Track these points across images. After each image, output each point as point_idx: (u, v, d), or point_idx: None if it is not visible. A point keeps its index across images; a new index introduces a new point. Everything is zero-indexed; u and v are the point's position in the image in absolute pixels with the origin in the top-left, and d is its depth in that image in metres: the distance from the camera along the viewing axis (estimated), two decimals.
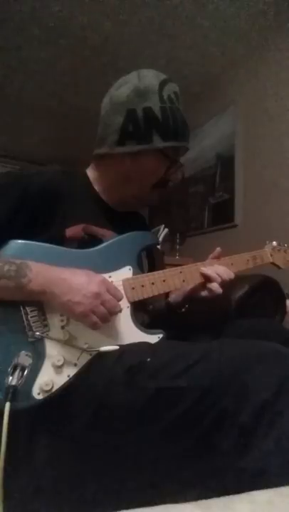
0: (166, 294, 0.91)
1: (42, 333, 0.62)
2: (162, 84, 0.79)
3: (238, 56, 2.26)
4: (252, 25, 2.00)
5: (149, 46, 2.22)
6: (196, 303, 0.89)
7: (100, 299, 0.63)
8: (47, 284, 0.62)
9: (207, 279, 0.81)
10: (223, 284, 0.80)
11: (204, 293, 0.83)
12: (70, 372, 0.62)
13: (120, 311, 0.68)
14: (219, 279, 0.80)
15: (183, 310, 0.90)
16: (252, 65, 2.22)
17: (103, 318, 0.63)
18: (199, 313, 0.89)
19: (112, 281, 0.71)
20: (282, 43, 2.00)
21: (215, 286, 0.79)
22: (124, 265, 0.75)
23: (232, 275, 0.82)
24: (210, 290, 0.81)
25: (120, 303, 0.68)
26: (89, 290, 0.62)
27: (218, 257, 0.86)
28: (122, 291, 0.71)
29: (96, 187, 0.85)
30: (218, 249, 0.86)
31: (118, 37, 2.16)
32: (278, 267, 0.97)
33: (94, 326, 0.63)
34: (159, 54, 2.26)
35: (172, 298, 0.91)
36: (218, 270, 0.81)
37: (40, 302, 0.64)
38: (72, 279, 0.63)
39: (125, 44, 2.22)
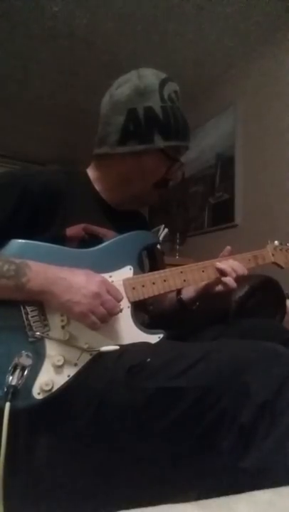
0: (178, 291, 0.91)
1: (42, 332, 0.62)
2: (162, 83, 0.79)
3: (238, 56, 2.26)
4: (252, 25, 2.00)
5: (149, 46, 2.21)
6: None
7: (99, 299, 0.63)
8: (46, 284, 0.62)
9: (222, 273, 0.81)
10: (238, 279, 0.82)
11: (219, 288, 0.83)
12: (70, 372, 0.62)
13: (121, 311, 0.68)
14: (234, 274, 0.81)
15: (194, 307, 0.91)
16: (252, 65, 2.22)
17: (102, 318, 0.63)
18: (200, 313, 0.89)
19: (112, 281, 0.71)
20: (282, 43, 2.00)
21: (230, 281, 0.81)
22: (124, 265, 0.75)
23: (246, 271, 0.84)
24: (225, 284, 0.82)
25: (121, 303, 0.67)
26: (89, 290, 0.62)
27: (228, 256, 0.86)
28: (123, 291, 0.71)
29: (96, 186, 0.85)
30: (228, 247, 0.87)
31: (118, 36, 2.16)
32: (280, 267, 0.96)
33: (93, 326, 0.63)
34: (159, 54, 2.26)
35: (184, 294, 0.91)
36: (234, 265, 0.82)
37: (41, 302, 0.64)
38: (71, 278, 0.63)
39: (125, 44, 2.22)
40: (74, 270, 0.65)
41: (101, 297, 0.63)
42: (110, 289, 0.66)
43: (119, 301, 0.67)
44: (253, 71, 2.21)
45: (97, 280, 0.64)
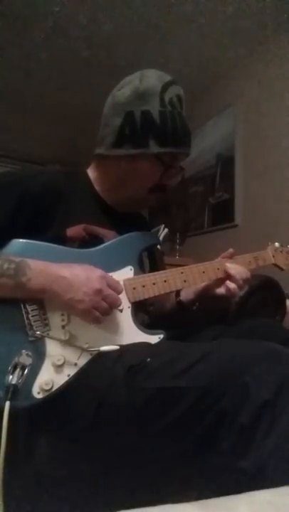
0: (177, 293, 0.91)
1: (42, 332, 0.62)
2: (165, 86, 0.77)
3: (237, 56, 2.26)
4: (252, 25, 2.00)
5: (149, 46, 2.21)
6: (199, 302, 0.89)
7: (101, 294, 0.63)
8: (47, 283, 0.62)
9: (229, 277, 0.81)
10: (242, 286, 0.81)
11: (220, 290, 0.83)
12: (70, 371, 0.62)
13: (121, 311, 0.68)
14: (241, 283, 0.80)
15: (194, 308, 0.90)
16: (252, 66, 2.22)
17: (105, 312, 0.64)
18: (200, 314, 0.89)
19: None
20: (282, 43, 2.00)
21: (235, 289, 0.80)
22: (125, 265, 0.75)
23: (249, 276, 0.83)
24: (228, 290, 0.81)
25: (121, 303, 0.68)
26: (90, 287, 0.62)
27: (230, 258, 0.85)
28: (124, 291, 0.71)
29: (96, 187, 0.85)
30: (231, 250, 0.86)
31: (118, 37, 2.16)
32: (280, 269, 0.96)
33: (96, 321, 0.64)
34: (159, 54, 2.26)
35: (184, 296, 0.90)
36: (243, 274, 0.81)
37: (41, 301, 0.64)
38: (72, 276, 0.63)
39: (125, 44, 2.22)
40: (73, 266, 0.65)
41: (102, 292, 0.64)
42: (110, 283, 0.66)
43: (119, 293, 0.67)
44: (253, 71, 2.21)
45: (97, 276, 0.65)
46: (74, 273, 0.64)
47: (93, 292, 0.62)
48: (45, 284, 0.62)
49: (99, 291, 0.63)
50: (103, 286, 0.64)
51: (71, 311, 0.64)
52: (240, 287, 0.81)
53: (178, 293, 0.91)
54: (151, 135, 0.75)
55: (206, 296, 0.87)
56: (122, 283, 0.72)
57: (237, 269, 0.81)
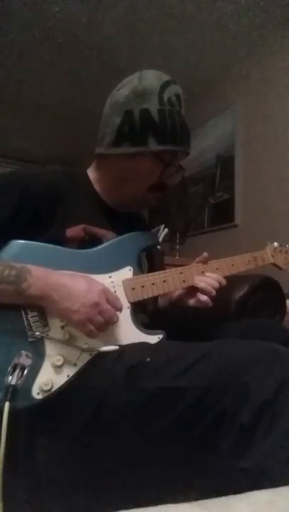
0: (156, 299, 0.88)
1: (42, 333, 0.62)
2: (164, 85, 0.77)
3: (237, 56, 2.26)
4: (252, 25, 2.00)
5: (149, 46, 2.22)
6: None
7: (98, 308, 0.62)
8: (47, 290, 0.62)
9: (200, 291, 0.79)
10: (216, 296, 0.79)
11: (192, 302, 0.81)
12: (69, 372, 0.62)
13: (120, 311, 0.68)
14: (213, 293, 0.78)
15: (174, 314, 0.89)
16: (252, 65, 2.22)
17: (100, 327, 0.63)
18: (199, 314, 0.89)
19: (112, 281, 0.71)
20: (282, 43, 2.00)
21: (207, 301, 0.78)
22: (124, 265, 0.75)
23: (224, 281, 0.81)
24: (199, 301, 0.79)
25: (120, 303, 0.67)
26: (88, 299, 0.62)
27: (204, 263, 0.83)
28: (123, 292, 0.72)
29: (96, 187, 0.85)
30: (205, 254, 0.84)
31: (118, 37, 2.16)
32: (279, 268, 0.96)
33: (90, 335, 0.63)
34: (158, 54, 2.26)
35: (160, 303, 0.90)
36: (212, 283, 0.79)
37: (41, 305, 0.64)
38: (72, 285, 0.63)
39: (125, 44, 2.22)
40: (75, 277, 0.65)
41: (100, 306, 0.62)
42: (110, 298, 0.65)
43: (118, 310, 0.66)
44: (253, 71, 2.21)
45: (97, 289, 0.64)
46: (75, 283, 0.63)
47: (90, 304, 0.61)
48: (45, 290, 0.61)
49: (96, 305, 0.62)
50: (102, 300, 0.63)
51: (67, 320, 0.64)
52: (212, 298, 0.79)
53: (156, 299, 0.89)
54: (150, 133, 0.75)
55: (180, 306, 0.85)
56: (121, 283, 0.72)
57: (205, 280, 0.79)
